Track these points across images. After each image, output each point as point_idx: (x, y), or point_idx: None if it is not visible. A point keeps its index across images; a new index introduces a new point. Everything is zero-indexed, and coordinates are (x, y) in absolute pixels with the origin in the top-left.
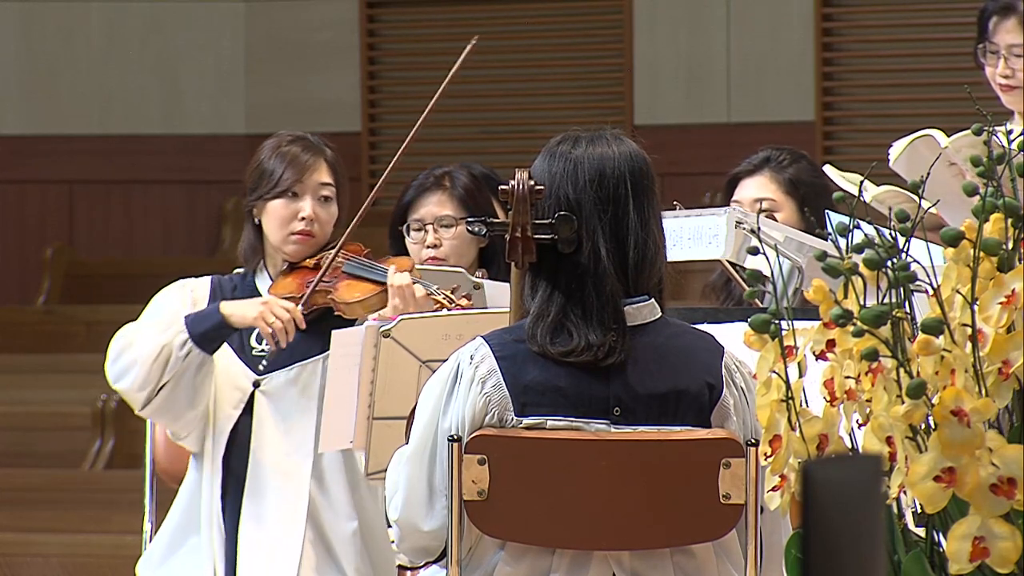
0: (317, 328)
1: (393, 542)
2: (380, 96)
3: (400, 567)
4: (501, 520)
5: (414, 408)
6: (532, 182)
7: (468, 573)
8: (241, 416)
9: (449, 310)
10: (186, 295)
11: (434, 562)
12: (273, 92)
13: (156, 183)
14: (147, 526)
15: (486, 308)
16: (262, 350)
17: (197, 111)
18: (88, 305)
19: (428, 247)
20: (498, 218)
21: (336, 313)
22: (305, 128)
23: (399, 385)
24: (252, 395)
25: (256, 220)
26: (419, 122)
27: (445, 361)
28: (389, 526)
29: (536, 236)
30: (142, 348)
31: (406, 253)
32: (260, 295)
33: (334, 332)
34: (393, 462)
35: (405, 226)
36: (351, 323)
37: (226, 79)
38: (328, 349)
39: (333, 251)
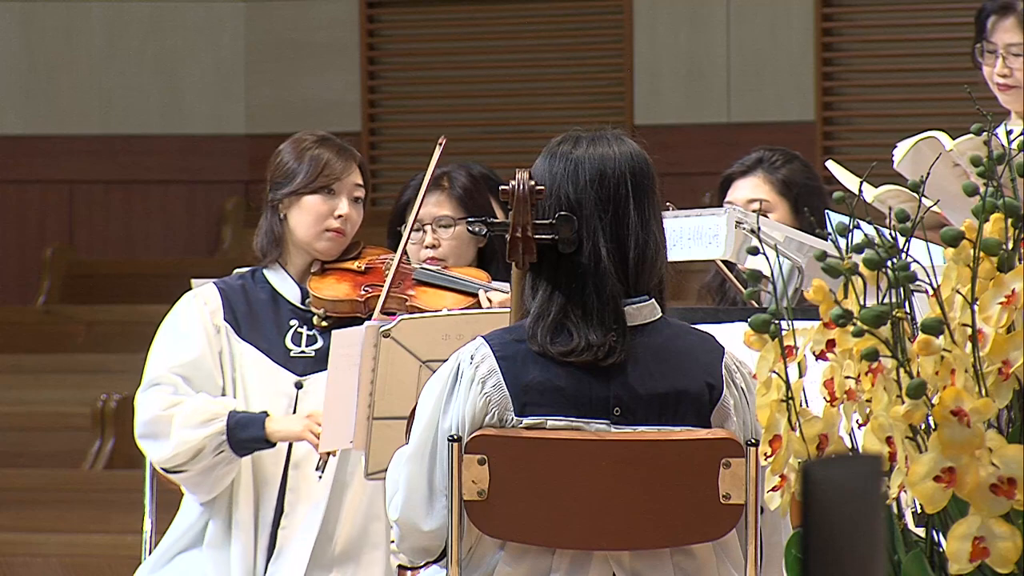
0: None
1: (393, 542)
2: (380, 96)
3: (400, 567)
4: (501, 520)
5: (414, 408)
6: (532, 182)
7: (468, 573)
8: None
9: None
10: (203, 311)
11: (434, 562)
12: (273, 92)
13: (156, 183)
14: (147, 526)
15: (486, 308)
16: (301, 351)
17: (197, 111)
18: (88, 305)
19: (427, 247)
20: (497, 218)
21: None
22: (305, 128)
23: (399, 385)
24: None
25: (282, 215)
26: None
27: (445, 361)
28: (389, 526)
29: (537, 236)
30: (179, 429)
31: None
32: (279, 293)
33: (334, 332)
34: (393, 462)
35: (404, 226)
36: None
37: (226, 79)
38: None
39: (397, 255)
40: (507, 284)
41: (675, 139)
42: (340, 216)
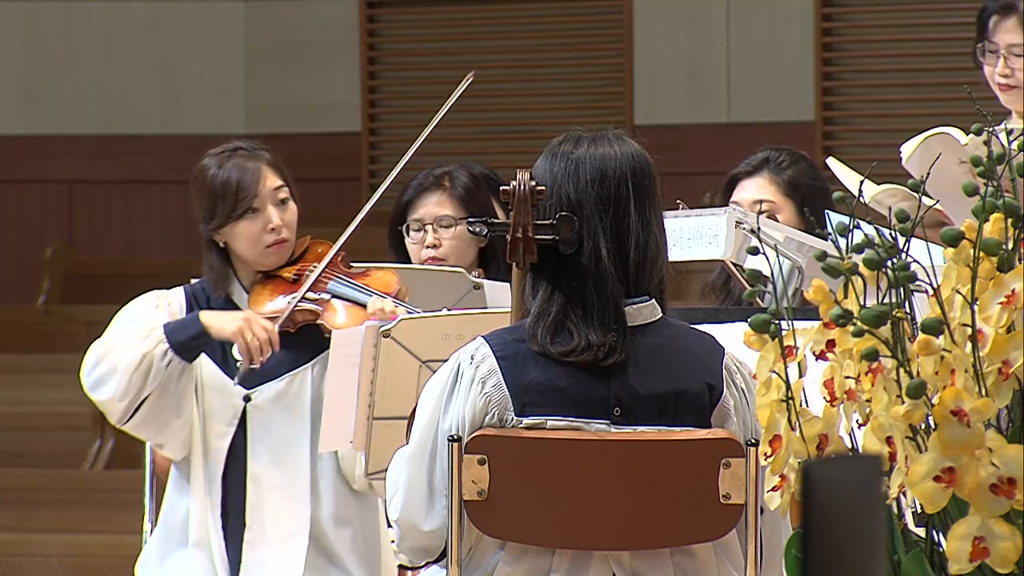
0: (302, 338)
1: (393, 542)
2: (380, 96)
3: (400, 567)
4: (501, 520)
5: (414, 408)
6: (533, 182)
7: (468, 573)
8: (235, 432)
9: None
10: (161, 306)
11: (434, 562)
12: (273, 92)
13: (156, 183)
14: (147, 526)
15: (486, 308)
16: (252, 366)
17: (197, 111)
18: (88, 305)
19: (427, 247)
20: (498, 218)
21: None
22: (305, 128)
23: (399, 385)
24: (244, 410)
25: (221, 244)
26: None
27: (445, 361)
28: (389, 526)
29: (537, 236)
30: (122, 357)
31: (405, 252)
32: (234, 303)
33: (334, 332)
34: (393, 462)
35: (405, 226)
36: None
37: (226, 79)
38: (314, 358)
39: (318, 267)
40: (497, 283)
41: (675, 139)
42: (273, 228)
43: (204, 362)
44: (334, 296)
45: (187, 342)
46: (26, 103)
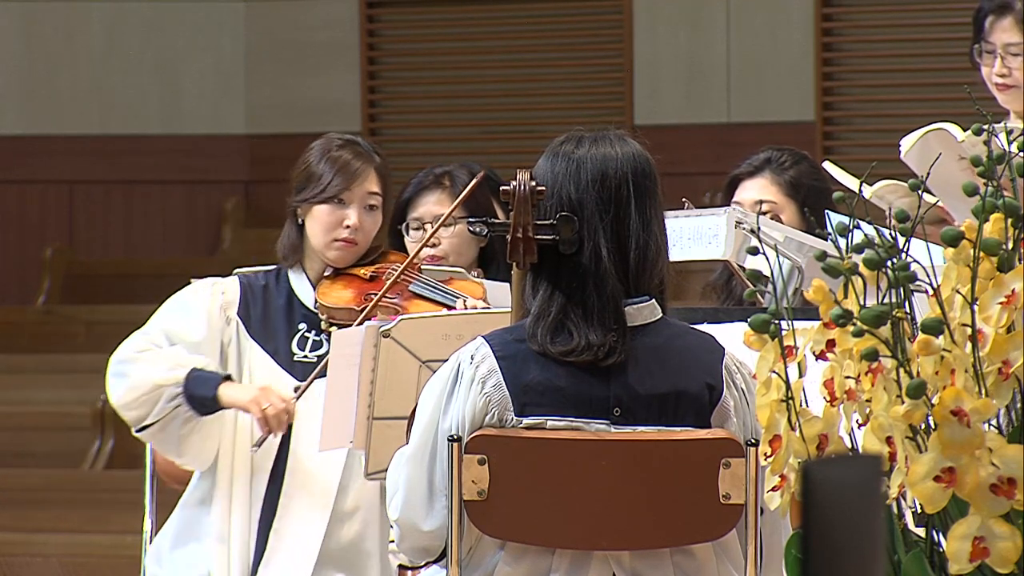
0: None
1: (393, 542)
2: (380, 96)
3: (400, 567)
4: (501, 520)
5: (414, 408)
6: (533, 182)
7: (468, 573)
8: None
9: None
10: (217, 295)
11: (434, 562)
12: (273, 92)
13: (156, 183)
14: (147, 526)
15: (486, 308)
16: (304, 356)
17: (197, 111)
18: (88, 305)
19: (428, 246)
20: (498, 218)
21: None
22: (305, 128)
23: (399, 385)
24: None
25: (300, 220)
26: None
27: (445, 361)
28: (389, 526)
29: (537, 236)
30: (140, 373)
31: (405, 251)
32: (296, 296)
33: (334, 333)
34: (393, 462)
35: (404, 224)
36: None
37: (226, 79)
38: None
39: (399, 267)
40: (497, 283)
41: (675, 139)
42: (349, 226)
43: (255, 355)
44: (417, 297)
45: (199, 398)
46: (26, 103)
